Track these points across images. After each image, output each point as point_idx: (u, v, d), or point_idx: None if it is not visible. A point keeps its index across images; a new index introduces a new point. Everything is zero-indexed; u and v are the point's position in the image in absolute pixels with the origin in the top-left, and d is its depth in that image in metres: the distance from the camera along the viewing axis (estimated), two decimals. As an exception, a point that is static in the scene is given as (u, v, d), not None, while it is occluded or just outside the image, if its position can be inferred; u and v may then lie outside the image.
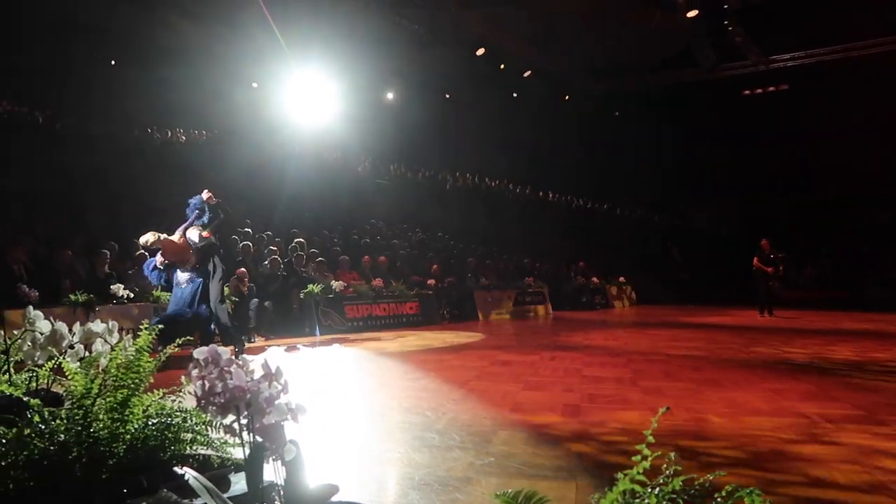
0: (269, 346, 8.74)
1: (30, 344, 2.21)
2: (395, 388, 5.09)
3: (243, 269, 9.86)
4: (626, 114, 25.93)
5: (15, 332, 2.18)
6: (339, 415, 4.13)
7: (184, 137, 18.92)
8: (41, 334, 2.19)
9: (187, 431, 1.73)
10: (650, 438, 1.23)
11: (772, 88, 22.62)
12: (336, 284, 10.97)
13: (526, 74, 20.74)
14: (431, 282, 13.08)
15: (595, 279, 18.09)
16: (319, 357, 7.50)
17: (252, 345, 8.85)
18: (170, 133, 18.48)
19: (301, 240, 12.92)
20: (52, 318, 2.24)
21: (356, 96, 19.02)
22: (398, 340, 9.25)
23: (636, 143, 26.15)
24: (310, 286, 10.53)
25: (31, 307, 2.21)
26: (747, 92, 23.22)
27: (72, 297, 7.62)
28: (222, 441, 1.74)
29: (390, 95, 22.99)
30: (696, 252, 23.00)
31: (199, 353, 1.44)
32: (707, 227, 25.27)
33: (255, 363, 1.55)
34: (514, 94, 21.87)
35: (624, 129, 26.03)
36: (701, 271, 21.61)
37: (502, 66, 19.82)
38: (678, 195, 26.96)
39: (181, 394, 1.85)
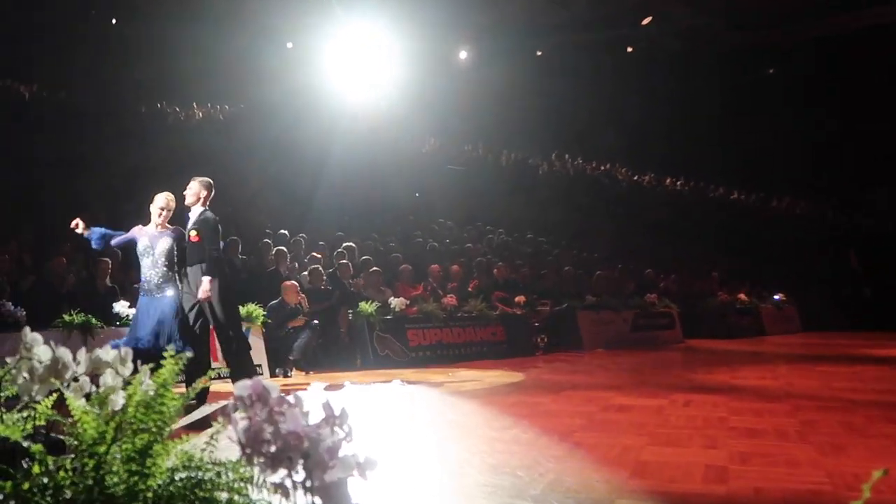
0: (310, 381, 8.91)
1: (26, 375, 2.28)
2: (476, 440, 5.10)
3: (294, 283, 10.09)
4: (780, 73, 25.26)
5: (8, 360, 2.25)
6: (408, 472, 4.16)
7: (200, 114, 19.56)
8: (40, 363, 2.26)
9: (222, 489, 1.76)
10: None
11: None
12: (395, 302, 11.08)
13: (645, 22, 20.47)
14: (520, 299, 13.04)
15: (743, 296, 17.67)
16: (375, 397, 7.59)
17: (288, 380, 9.04)
18: (180, 109, 19.09)
19: (350, 244, 13.13)
20: (52, 344, 2.31)
21: (419, 57, 19.22)
22: (478, 377, 9.22)
23: (794, 110, 25.38)
24: (361, 305, 10.67)
25: (27, 329, 2.29)
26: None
27: (66, 317, 7.95)
28: (266, 503, 1.77)
29: (464, 55, 23.11)
30: (885, 260, 22.11)
31: (242, 388, 1.47)
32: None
33: (310, 402, 1.57)
34: (629, 50, 21.62)
35: (776, 92, 25.33)
36: (891, 285, 20.77)
37: (612, 13, 19.64)
38: (854, 182, 26.01)
39: (212, 441, 1.89)
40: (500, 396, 7.36)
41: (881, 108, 24.56)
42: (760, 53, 23.99)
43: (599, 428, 5.50)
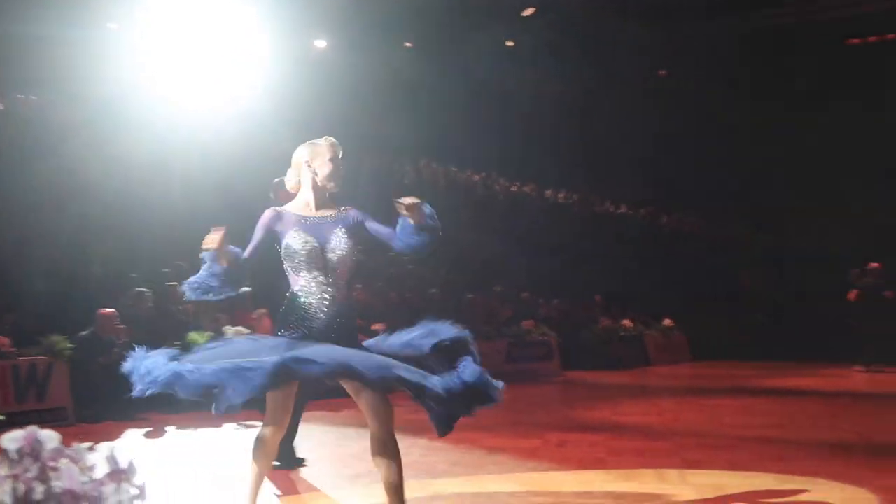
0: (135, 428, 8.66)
1: None
2: (316, 491, 5.12)
3: (112, 310, 9.76)
4: (678, 73, 26.08)
5: None
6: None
7: (1, 105, 18.74)
8: None
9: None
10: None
11: (893, 36, 22.88)
12: (231, 332, 10.87)
13: (526, 13, 20.93)
14: (378, 326, 13.02)
15: (627, 322, 18.12)
16: (200, 445, 7.45)
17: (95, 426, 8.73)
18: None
19: (179, 263, 12.81)
20: None
21: (270, 45, 19.01)
22: (327, 417, 9.26)
23: (692, 114, 26.22)
24: (191, 335, 10.42)
25: None
26: (857, 41, 23.46)
27: None
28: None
29: (322, 44, 23.00)
30: (783, 281, 23.04)
31: (11, 439, 1.44)
32: (802, 242, 25.20)
33: (95, 455, 1.54)
34: (509, 44, 22.00)
35: (675, 95, 26.10)
36: (789, 310, 21.59)
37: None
38: (753, 195, 26.89)
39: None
40: (351, 441, 7.35)
41: (787, 114, 25.50)
42: (652, 50, 24.70)
43: (463, 473, 5.56)
